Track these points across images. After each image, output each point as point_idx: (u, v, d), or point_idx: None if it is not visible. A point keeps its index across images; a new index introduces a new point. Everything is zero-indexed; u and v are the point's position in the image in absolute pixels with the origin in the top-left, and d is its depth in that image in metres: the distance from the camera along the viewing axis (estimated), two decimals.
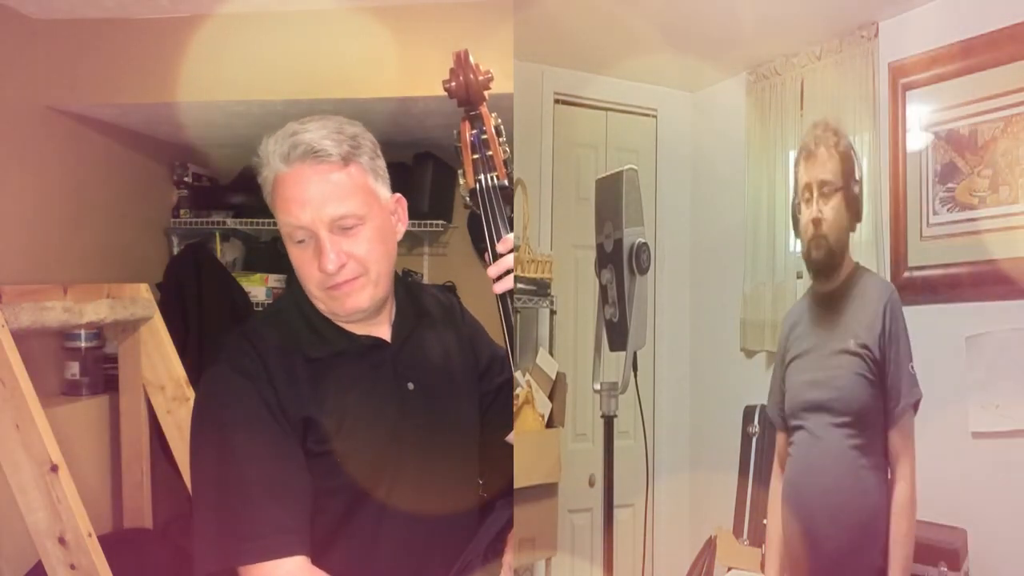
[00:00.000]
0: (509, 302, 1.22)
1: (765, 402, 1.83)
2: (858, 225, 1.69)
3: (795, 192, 1.71)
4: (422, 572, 1.27)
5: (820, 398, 1.62)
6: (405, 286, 1.41)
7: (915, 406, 1.58)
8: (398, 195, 1.32)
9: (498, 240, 1.22)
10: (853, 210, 1.64)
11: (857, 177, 1.66)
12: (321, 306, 1.27)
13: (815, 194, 1.64)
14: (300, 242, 1.21)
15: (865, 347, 1.58)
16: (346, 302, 1.24)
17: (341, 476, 1.22)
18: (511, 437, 1.52)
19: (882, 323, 1.58)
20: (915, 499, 1.55)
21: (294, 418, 1.20)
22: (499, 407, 1.48)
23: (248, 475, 1.16)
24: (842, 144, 1.65)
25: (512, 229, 1.24)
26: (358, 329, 1.30)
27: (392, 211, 1.30)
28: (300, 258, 1.23)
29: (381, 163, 1.28)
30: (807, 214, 1.65)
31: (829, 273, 1.65)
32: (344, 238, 1.21)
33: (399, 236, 1.32)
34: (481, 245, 1.27)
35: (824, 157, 1.64)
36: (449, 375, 1.39)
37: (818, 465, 1.62)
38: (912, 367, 1.58)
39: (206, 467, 1.21)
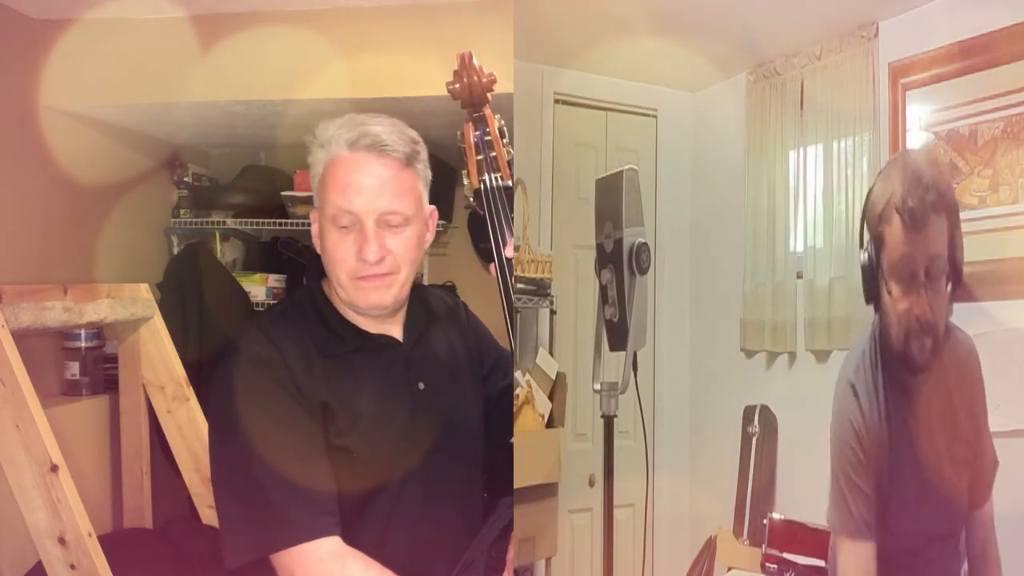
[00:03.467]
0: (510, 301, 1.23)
1: (765, 402, 1.82)
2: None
3: (876, 252, 1.27)
4: (427, 569, 1.27)
5: None
6: (414, 287, 1.41)
7: None
8: (433, 207, 1.35)
9: (504, 242, 1.23)
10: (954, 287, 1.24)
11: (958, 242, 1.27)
12: (343, 294, 1.27)
13: (920, 276, 1.22)
14: (343, 227, 1.23)
15: None
16: (371, 295, 1.25)
17: (355, 472, 1.22)
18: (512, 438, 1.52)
19: None
20: None
21: (313, 401, 1.21)
22: (502, 409, 1.49)
23: (273, 458, 1.16)
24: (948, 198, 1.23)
25: (512, 230, 1.25)
26: (371, 328, 1.31)
27: (426, 220, 1.34)
28: (339, 243, 1.23)
29: (429, 173, 1.32)
30: (903, 300, 1.26)
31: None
32: (388, 233, 1.23)
33: (426, 246, 1.35)
34: (483, 245, 1.28)
35: (936, 227, 1.20)
36: (456, 376, 1.40)
37: None
38: None
39: (229, 457, 1.20)
